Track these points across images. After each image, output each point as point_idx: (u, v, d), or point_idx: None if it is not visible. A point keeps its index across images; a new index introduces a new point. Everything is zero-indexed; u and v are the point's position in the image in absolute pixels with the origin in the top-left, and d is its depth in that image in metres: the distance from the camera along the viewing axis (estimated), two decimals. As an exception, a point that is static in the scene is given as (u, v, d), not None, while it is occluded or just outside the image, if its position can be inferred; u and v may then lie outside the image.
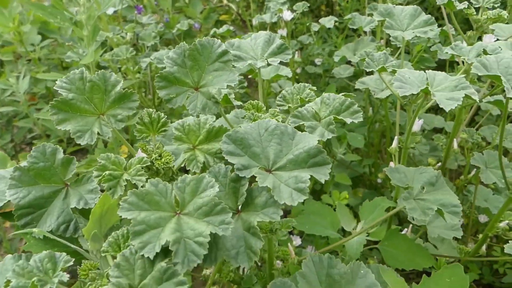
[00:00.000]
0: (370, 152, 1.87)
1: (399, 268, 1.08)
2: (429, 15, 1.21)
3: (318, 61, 2.24)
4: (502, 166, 1.04)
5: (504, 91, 1.18)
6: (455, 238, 1.41)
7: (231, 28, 1.76)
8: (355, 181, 1.85)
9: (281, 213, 0.67)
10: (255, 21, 2.06)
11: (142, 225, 0.61)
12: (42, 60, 2.25)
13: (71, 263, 0.66)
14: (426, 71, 0.89)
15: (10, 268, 0.73)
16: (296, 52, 2.01)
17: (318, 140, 0.72)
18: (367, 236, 1.13)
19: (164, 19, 2.32)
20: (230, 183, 0.70)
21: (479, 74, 0.86)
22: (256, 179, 0.66)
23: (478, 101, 0.83)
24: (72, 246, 0.79)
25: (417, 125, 1.06)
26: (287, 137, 0.73)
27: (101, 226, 0.78)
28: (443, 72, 0.89)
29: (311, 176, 0.68)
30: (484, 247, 1.25)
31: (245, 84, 1.60)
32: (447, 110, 0.76)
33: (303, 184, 0.66)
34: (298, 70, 2.31)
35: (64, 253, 0.66)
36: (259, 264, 1.18)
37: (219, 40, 0.87)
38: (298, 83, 2.00)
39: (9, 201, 0.85)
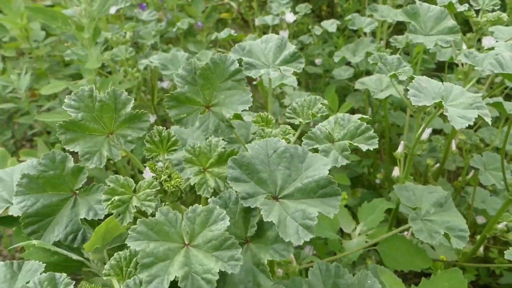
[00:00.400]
0: (369, 152, 1.87)
1: (398, 269, 1.08)
2: (455, 22, 1.15)
3: (318, 61, 2.25)
4: (504, 168, 1.05)
5: (503, 92, 1.19)
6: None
7: (232, 32, 1.76)
8: (354, 181, 1.86)
9: (292, 250, 0.66)
10: (257, 22, 2.07)
11: (151, 257, 0.60)
12: (44, 57, 2.26)
13: (72, 286, 0.64)
14: (444, 82, 0.87)
15: (2, 276, 0.71)
16: (297, 52, 2.01)
17: (329, 170, 0.70)
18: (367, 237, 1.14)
19: (167, 17, 2.33)
20: (240, 212, 0.69)
21: (495, 72, 0.85)
22: (261, 212, 0.65)
23: (490, 123, 0.81)
24: (74, 256, 0.78)
25: (425, 134, 1.05)
26: (297, 160, 0.70)
27: (104, 239, 0.78)
28: (460, 87, 0.87)
29: (319, 212, 0.65)
30: (481, 249, 1.26)
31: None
32: (457, 128, 0.74)
33: (310, 221, 0.64)
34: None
35: (65, 275, 0.65)
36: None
37: (232, 57, 0.84)
38: (298, 83, 1.99)
39: (7, 207, 0.85)
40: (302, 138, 0.82)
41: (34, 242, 0.73)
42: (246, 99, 0.81)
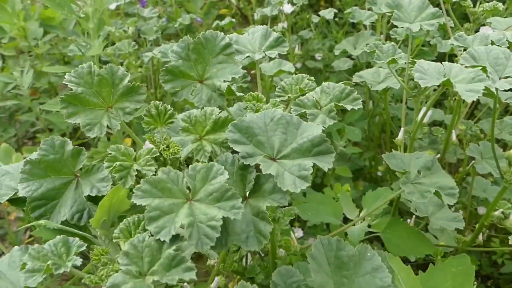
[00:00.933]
0: (370, 145, 1.88)
1: (401, 255, 1.09)
2: (437, 8, 1.22)
3: (318, 56, 2.25)
4: (495, 155, 1.06)
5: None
6: (456, 230, 1.44)
7: (234, 20, 1.77)
8: (356, 174, 1.87)
9: (289, 198, 0.69)
10: (256, 15, 2.08)
11: (157, 211, 0.63)
12: (44, 55, 2.27)
13: (84, 248, 0.67)
14: (443, 63, 0.90)
15: (18, 260, 0.75)
16: (297, 45, 2.02)
17: (323, 130, 0.73)
18: (369, 226, 1.15)
19: (168, 11, 2.34)
20: (238, 170, 0.72)
21: (467, 65, 0.88)
22: (260, 167, 0.68)
23: (496, 94, 0.84)
24: (81, 232, 0.80)
25: (427, 117, 1.06)
26: (293, 126, 0.74)
27: (109, 215, 0.80)
28: (458, 64, 0.90)
29: (314, 164, 0.69)
30: (481, 237, 1.27)
31: (248, 78, 1.61)
32: (468, 102, 0.78)
33: (306, 171, 0.67)
34: (298, 65, 2.32)
35: (77, 238, 0.68)
36: (262, 254, 1.19)
37: (222, 33, 0.89)
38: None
39: (14, 194, 0.87)
40: (291, 105, 0.85)
41: (42, 222, 0.75)
42: (236, 71, 0.85)
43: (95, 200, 0.83)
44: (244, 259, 1.29)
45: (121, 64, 1.93)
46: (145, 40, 2.08)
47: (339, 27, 2.54)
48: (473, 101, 1.72)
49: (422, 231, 1.36)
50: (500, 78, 0.96)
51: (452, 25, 1.38)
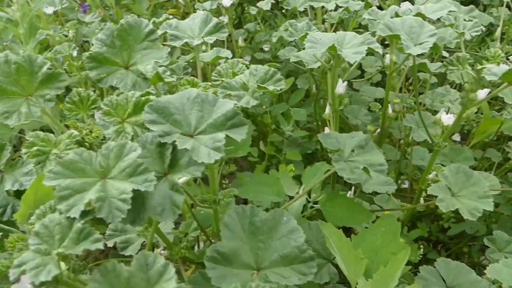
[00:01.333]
0: (320, 128, 1.93)
1: (341, 225, 1.13)
2: None
3: (266, 47, 2.30)
4: (423, 121, 1.12)
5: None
6: (399, 198, 1.50)
7: (170, 16, 1.77)
8: (309, 158, 1.91)
9: (203, 169, 0.71)
10: (199, 10, 2.09)
11: (68, 190, 0.63)
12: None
13: None
14: (337, 32, 0.96)
15: None
16: (240, 38, 2.06)
17: (235, 104, 0.76)
18: (311, 202, 1.19)
19: (110, 16, 2.32)
20: (156, 148, 0.73)
21: (383, 35, 0.94)
22: (176, 143, 0.70)
23: (381, 53, 0.91)
24: (6, 227, 0.80)
25: (341, 87, 1.12)
26: (208, 104, 0.76)
27: (35, 209, 0.79)
28: (353, 33, 0.96)
29: (227, 136, 0.72)
30: (422, 201, 1.33)
31: (189, 70, 1.63)
32: (351, 62, 0.85)
33: (219, 143, 0.70)
34: (248, 58, 2.36)
35: None
36: (213, 241, 1.21)
37: (147, 20, 0.91)
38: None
39: None
40: (218, 88, 0.88)
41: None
42: (161, 55, 0.88)
43: (21, 194, 0.83)
44: (196, 246, 1.30)
45: (65, 69, 1.89)
46: (89, 43, 2.05)
47: (286, 18, 2.59)
48: (412, 78, 1.80)
49: (367, 202, 1.42)
50: (415, 45, 1.03)
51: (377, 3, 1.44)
